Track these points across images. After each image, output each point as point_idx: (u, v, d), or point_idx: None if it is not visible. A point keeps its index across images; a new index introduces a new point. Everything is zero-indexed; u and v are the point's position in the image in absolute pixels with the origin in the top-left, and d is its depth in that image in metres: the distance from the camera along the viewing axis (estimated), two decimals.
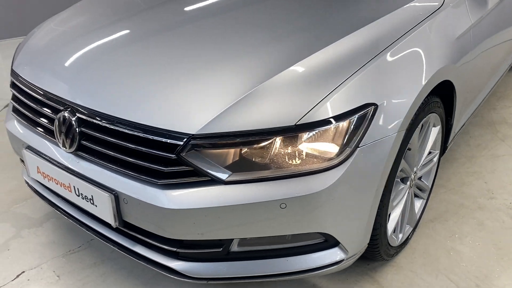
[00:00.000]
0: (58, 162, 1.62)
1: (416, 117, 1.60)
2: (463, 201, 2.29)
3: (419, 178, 1.99)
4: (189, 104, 1.39)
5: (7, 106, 3.56)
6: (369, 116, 1.39)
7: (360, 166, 1.39)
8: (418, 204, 2.04)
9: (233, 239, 1.45)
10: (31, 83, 1.74)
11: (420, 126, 1.69)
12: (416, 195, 2.01)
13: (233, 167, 1.36)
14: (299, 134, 1.33)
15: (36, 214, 2.28)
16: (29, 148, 1.74)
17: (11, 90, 1.90)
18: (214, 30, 1.76)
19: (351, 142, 1.37)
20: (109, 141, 1.46)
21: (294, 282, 1.82)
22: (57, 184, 1.66)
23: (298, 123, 1.31)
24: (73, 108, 1.55)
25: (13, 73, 1.88)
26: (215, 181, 1.36)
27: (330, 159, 1.36)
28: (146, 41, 1.74)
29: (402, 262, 1.92)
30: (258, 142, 1.33)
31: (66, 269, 1.93)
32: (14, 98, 1.87)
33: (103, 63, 1.66)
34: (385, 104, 1.42)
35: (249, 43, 1.62)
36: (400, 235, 1.87)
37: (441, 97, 1.85)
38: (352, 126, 1.36)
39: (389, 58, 1.51)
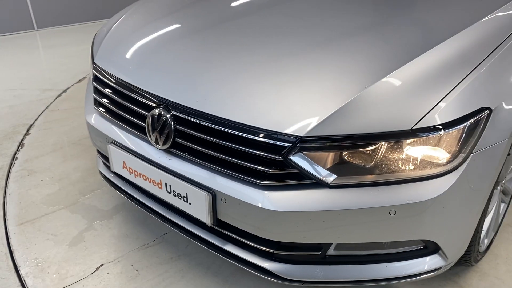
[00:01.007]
0: (148, 159, 1.61)
1: None
2: None
3: None
4: (295, 106, 1.36)
5: (58, 97, 3.60)
6: (484, 121, 1.33)
7: (473, 172, 1.34)
8: (501, 208, 1.98)
9: (332, 243, 1.43)
10: (118, 78, 1.73)
11: None
12: (502, 200, 1.96)
13: (338, 171, 1.32)
14: (411, 139, 1.29)
15: (105, 206, 2.29)
16: (115, 143, 1.73)
17: (93, 84, 1.90)
18: (318, 25, 1.71)
19: (465, 147, 1.32)
20: (208, 140, 1.44)
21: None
22: (145, 180, 1.65)
23: (414, 127, 1.27)
24: (168, 105, 1.53)
25: (95, 67, 1.87)
26: (320, 184, 1.33)
27: (443, 165, 1.31)
28: (241, 38, 1.70)
29: (486, 268, 1.87)
30: (367, 146, 1.29)
31: (143, 263, 1.93)
32: (97, 92, 1.86)
33: (196, 58, 1.64)
34: (499, 108, 1.36)
35: (354, 43, 1.57)
36: (486, 241, 1.83)
37: None
38: (466, 131, 1.31)
39: (501, 58, 1.45)
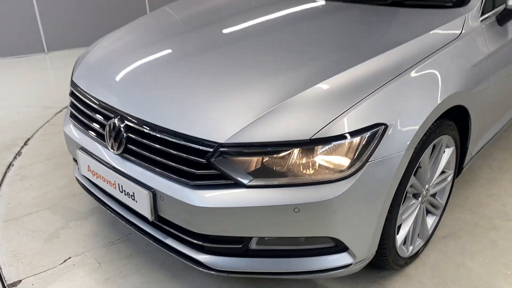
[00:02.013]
0: (106, 162, 1.87)
1: (427, 138, 1.74)
2: (478, 220, 2.38)
3: (433, 196, 2.12)
4: (220, 116, 1.61)
5: (59, 113, 3.92)
6: (379, 135, 1.55)
7: (369, 179, 1.55)
8: (431, 220, 2.16)
9: (252, 237, 1.64)
10: (87, 93, 2.01)
11: (431, 146, 1.83)
12: (429, 212, 2.14)
13: (255, 173, 1.55)
14: (315, 147, 1.51)
15: (83, 209, 2.55)
16: (82, 149, 2.00)
17: (69, 98, 2.19)
18: (250, 51, 1.97)
19: (361, 156, 1.53)
20: (150, 145, 1.69)
21: (308, 284, 1.98)
22: (104, 181, 1.90)
23: (312, 137, 1.50)
24: (122, 116, 1.80)
25: (73, 84, 2.17)
26: (239, 185, 1.56)
27: (342, 171, 1.53)
28: (189, 60, 1.97)
29: (412, 273, 2.04)
30: (277, 152, 1.52)
31: (106, 258, 2.17)
32: (72, 105, 2.15)
33: (150, 78, 1.91)
34: (395, 124, 1.58)
35: (279, 64, 1.83)
36: (411, 248, 2.00)
37: (456, 120, 1.99)
38: (363, 143, 1.53)
39: (404, 82, 1.67)
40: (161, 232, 1.81)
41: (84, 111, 2.02)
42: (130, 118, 1.77)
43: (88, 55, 2.30)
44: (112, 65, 2.10)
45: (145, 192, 1.70)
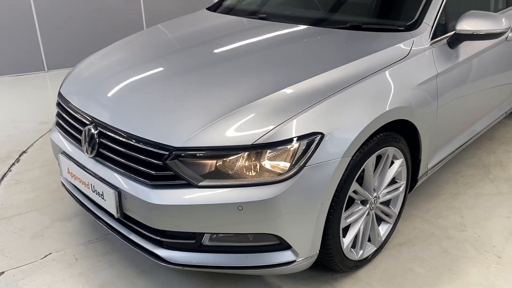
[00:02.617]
0: (82, 165, 2.08)
1: (369, 148, 1.91)
2: (435, 230, 2.52)
3: (386, 204, 2.27)
4: (176, 123, 1.81)
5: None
6: (316, 142, 1.73)
7: (306, 182, 1.73)
8: (384, 227, 2.31)
9: (203, 233, 1.82)
10: (70, 102, 2.24)
11: (375, 156, 1.99)
12: (382, 219, 2.29)
13: (206, 175, 1.74)
14: (258, 152, 1.70)
15: (69, 211, 2.76)
16: (63, 153, 2.22)
17: (56, 108, 2.42)
18: (213, 71, 2.16)
19: (299, 161, 1.71)
20: (117, 149, 1.90)
21: (261, 283, 2.14)
22: (80, 182, 2.11)
23: (254, 143, 1.69)
24: (96, 123, 2.02)
25: (59, 95, 2.40)
26: (191, 185, 1.75)
27: (281, 174, 1.71)
28: (159, 76, 2.20)
29: (362, 276, 2.19)
30: (225, 156, 1.71)
31: (83, 254, 2.36)
32: (58, 114, 2.38)
33: (123, 90, 2.13)
34: (332, 133, 1.76)
35: (235, 80, 2.03)
36: (361, 252, 2.15)
37: (406, 134, 2.16)
38: (300, 149, 1.72)
39: (345, 95, 1.86)
40: (126, 228, 2.00)
41: (67, 119, 2.25)
42: (102, 125, 1.98)
43: (75, 69, 2.54)
44: (92, 79, 2.33)
45: (111, 191, 1.90)
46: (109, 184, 1.92)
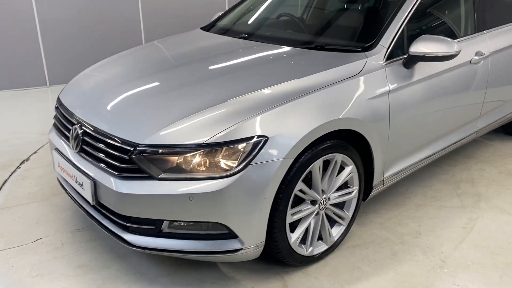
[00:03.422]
0: (69, 159, 2.39)
1: (314, 152, 2.16)
2: (391, 236, 2.71)
3: (340, 207, 2.49)
4: (142, 124, 2.12)
5: None
6: (261, 144, 1.99)
7: (250, 178, 1.98)
8: (337, 229, 2.53)
9: (162, 220, 2.09)
10: (64, 105, 2.58)
11: (321, 160, 2.23)
12: (336, 221, 2.51)
13: (165, 169, 2.02)
14: (208, 150, 1.97)
15: (64, 203, 3.08)
16: (56, 149, 2.55)
17: (55, 110, 2.77)
18: (186, 81, 2.46)
19: (245, 160, 1.98)
20: (94, 145, 2.22)
21: (218, 272, 2.38)
22: (67, 174, 2.43)
23: (205, 142, 1.96)
24: (81, 123, 2.34)
25: (58, 99, 2.75)
26: (152, 177, 2.03)
27: (227, 170, 1.98)
28: (138, 83, 2.51)
29: (311, 271, 2.40)
30: (179, 153, 1.99)
31: (69, 240, 2.67)
32: (55, 116, 2.73)
33: (104, 95, 2.46)
34: (275, 137, 2.02)
35: (198, 92, 2.32)
36: (310, 248, 2.38)
37: (359, 144, 2.40)
38: (246, 149, 1.98)
39: (290, 106, 2.12)
40: (101, 215, 2.29)
41: (60, 119, 2.59)
42: (85, 124, 2.30)
43: (74, 79, 2.89)
44: (84, 86, 2.68)
45: (88, 181, 2.20)
46: (87, 175, 2.23)
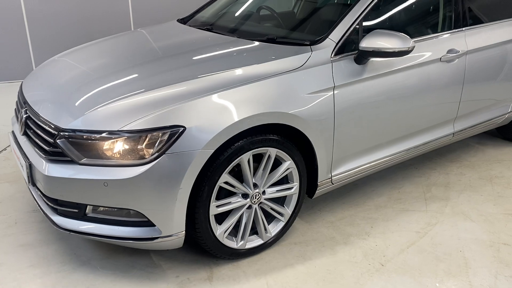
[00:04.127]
0: (17, 141, 2.49)
1: (241, 145, 2.14)
2: (337, 235, 2.65)
3: (278, 203, 2.46)
4: (71, 108, 2.17)
5: None
6: (177, 134, 2.00)
7: (165, 167, 1.99)
8: (276, 224, 2.49)
9: (86, 204, 2.14)
10: (21, 89, 2.68)
11: (250, 154, 2.20)
12: (274, 217, 2.47)
13: (87, 154, 2.06)
14: (124, 137, 1.99)
15: None
16: (12, 132, 2.66)
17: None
18: (129, 72, 2.48)
19: (160, 149, 1.99)
20: (32, 128, 2.29)
21: (148, 259, 2.41)
22: (16, 156, 2.52)
23: (121, 128, 1.99)
24: (27, 107, 2.42)
25: (21, 83, 2.86)
26: (74, 162, 2.07)
27: (142, 157, 1.99)
28: (85, 72, 2.57)
29: (242, 264, 2.39)
30: (96, 139, 2.03)
31: (23, 220, 2.77)
32: (16, 102, 2.84)
33: (58, 81, 2.54)
34: (194, 128, 2.01)
35: (131, 79, 2.35)
36: (242, 242, 2.36)
37: (300, 139, 2.36)
38: (162, 138, 1.99)
39: (215, 96, 2.11)
40: (37, 196, 2.37)
41: (17, 103, 2.69)
42: (30, 108, 2.39)
43: (41, 64, 3.00)
44: (42, 72, 2.77)
45: (25, 163, 2.28)
46: (26, 157, 2.31)
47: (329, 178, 2.61)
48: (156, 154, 1.99)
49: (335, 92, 2.42)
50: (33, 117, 2.32)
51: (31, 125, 2.34)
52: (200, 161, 2.05)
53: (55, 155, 2.13)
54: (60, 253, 2.47)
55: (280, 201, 2.50)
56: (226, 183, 2.21)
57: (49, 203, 2.24)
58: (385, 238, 2.63)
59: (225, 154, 2.12)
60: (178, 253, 2.45)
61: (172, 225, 2.11)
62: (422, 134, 3.02)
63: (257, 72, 2.27)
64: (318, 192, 2.61)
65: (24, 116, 2.40)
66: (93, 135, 2.04)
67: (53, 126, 2.13)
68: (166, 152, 1.99)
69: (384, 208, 2.96)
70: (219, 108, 2.10)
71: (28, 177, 2.29)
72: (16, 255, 2.45)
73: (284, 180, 2.47)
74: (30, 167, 2.27)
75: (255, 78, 2.24)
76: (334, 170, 2.61)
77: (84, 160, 2.06)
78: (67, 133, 2.08)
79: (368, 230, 2.70)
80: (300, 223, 2.76)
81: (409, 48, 2.43)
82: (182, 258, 2.43)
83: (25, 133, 2.41)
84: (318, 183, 2.57)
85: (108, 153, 2.03)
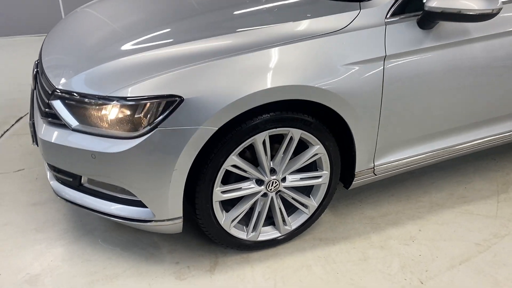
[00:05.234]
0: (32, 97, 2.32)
1: (255, 124, 1.77)
2: (374, 236, 2.22)
3: (302, 192, 2.08)
4: (70, 65, 1.92)
5: None
6: (173, 106, 1.66)
7: (157, 144, 1.68)
8: (298, 217, 2.12)
9: (81, 175, 1.92)
10: (43, 44, 2.47)
11: (266, 134, 1.82)
12: (297, 208, 2.10)
13: (80, 120, 1.81)
14: (111, 104, 1.70)
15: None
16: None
17: None
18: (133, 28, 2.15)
19: (152, 122, 1.67)
20: (37, 84, 2.10)
21: (148, 239, 2.18)
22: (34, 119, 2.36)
23: (110, 94, 1.70)
24: (39, 61, 2.22)
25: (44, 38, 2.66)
26: (67, 127, 1.84)
27: (132, 130, 1.70)
28: (106, 27, 2.25)
29: (253, 258, 2.07)
30: (86, 103, 1.76)
31: (44, 176, 2.67)
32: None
33: (75, 35, 2.29)
34: (194, 100, 1.66)
35: (127, 37, 2.01)
36: (253, 233, 2.03)
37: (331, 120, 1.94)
38: (154, 109, 1.67)
39: (226, 62, 1.71)
40: None
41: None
42: (40, 62, 2.18)
43: (67, 15, 2.77)
44: (67, 23, 2.53)
45: (29, 122, 2.12)
46: (32, 115, 2.14)
47: (370, 168, 2.15)
48: (148, 127, 1.68)
49: (386, 63, 1.92)
50: (40, 72, 2.11)
51: (37, 81, 2.14)
52: (199, 140, 1.71)
53: (50, 117, 1.91)
54: (68, 218, 2.33)
55: (307, 190, 2.11)
56: (234, 166, 1.86)
57: (47, 168, 2.06)
58: (434, 247, 2.14)
59: (233, 133, 1.76)
60: (185, 235, 2.19)
61: (167, 209, 1.82)
62: (498, 123, 2.39)
63: (282, 34, 1.83)
64: (356, 183, 2.17)
65: (35, 70, 2.21)
66: (84, 99, 1.77)
67: (50, 84, 1.90)
68: (158, 127, 1.68)
69: (441, 207, 2.44)
70: (229, 77, 1.72)
71: (32, 136, 2.12)
72: (25, 215, 2.35)
73: (313, 166, 2.07)
74: (34, 125, 2.09)
75: (278, 41, 1.80)
76: (378, 159, 2.14)
77: (76, 126, 1.81)
78: (60, 94, 1.83)
79: (414, 234, 2.23)
80: (332, 214, 2.36)
81: (493, 10, 1.83)
82: (188, 242, 2.16)
83: (36, 88, 2.22)
84: (356, 173, 2.12)
85: (98, 122, 1.76)
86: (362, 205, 2.44)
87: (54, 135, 1.87)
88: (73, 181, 1.96)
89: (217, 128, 1.71)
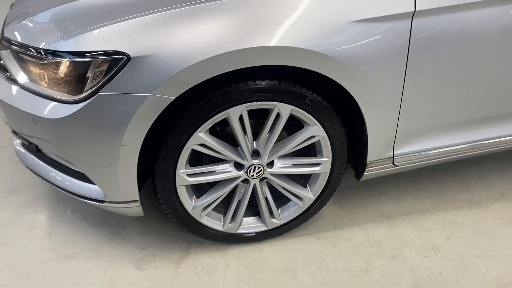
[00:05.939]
0: None
1: (227, 94, 1.38)
2: (385, 239, 1.80)
3: (303, 183, 1.70)
4: (19, 15, 1.61)
5: None
6: (118, 66, 1.31)
7: (98, 113, 1.35)
8: (289, 209, 1.75)
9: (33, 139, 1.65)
10: None
11: (242, 108, 1.43)
12: (288, 199, 1.72)
13: (28, 76, 1.52)
14: (48, 59, 1.37)
15: None
16: None
17: None
18: None
19: (95, 85, 1.34)
20: None
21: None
22: None
23: (44, 46, 1.37)
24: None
25: None
26: (16, 82, 1.56)
27: (72, 94, 1.38)
28: None
29: (231, 253, 1.74)
30: (26, 57, 1.45)
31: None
32: None
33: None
34: (144, 58, 1.29)
35: None
36: (231, 224, 1.69)
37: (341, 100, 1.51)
38: (99, 68, 1.33)
39: (186, 11, 1.32)
40: None
41: None
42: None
43: None
44: None
45: None
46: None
47: (389, 157, 1.70)
48: (90, 91, 1.35)
49: (415, 21, 1.42)
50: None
51: None
52: (151, 111, 1.35)
53: (2, 69, 1.64)
54: (44, 182, 2.09)
55: (304, 179, 1.72)
56: (203, 145, 1.49)
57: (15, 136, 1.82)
58: (461, 264, 1.68)
59: (198, 105, 1.39)
60: (160, 217, 1.89)
61: (119, 191, 1.52)
62: None
63: None
64: (369, 174, 1.73)
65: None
66: (22, 49, 1.47)
67: (2, 33, 1.62)
68: (100, 91, 1.34)
69: (484, 210, 1.93)
70: (189, 34, 1.32)
71: None
72: (2, 174, 2.20)
73: (312, 151, 1.66)
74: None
75: None
76: (399, 148, 1.68)
77: (25, 82, 1.52)
78: (7, 44, 1.54)
79: (440, 244, 1.77)
80: (340, 207, 1.95)
81: None
82: (163, 225, 1.87)
83: None
84: (367, 163, 1.68)
85: (37, 79, 1.46)
86: (382, 199, 2.00)
87: (3, 91, 1.60)
88: (29, 145, 1.72)
89: (173, 98, 1.35)
